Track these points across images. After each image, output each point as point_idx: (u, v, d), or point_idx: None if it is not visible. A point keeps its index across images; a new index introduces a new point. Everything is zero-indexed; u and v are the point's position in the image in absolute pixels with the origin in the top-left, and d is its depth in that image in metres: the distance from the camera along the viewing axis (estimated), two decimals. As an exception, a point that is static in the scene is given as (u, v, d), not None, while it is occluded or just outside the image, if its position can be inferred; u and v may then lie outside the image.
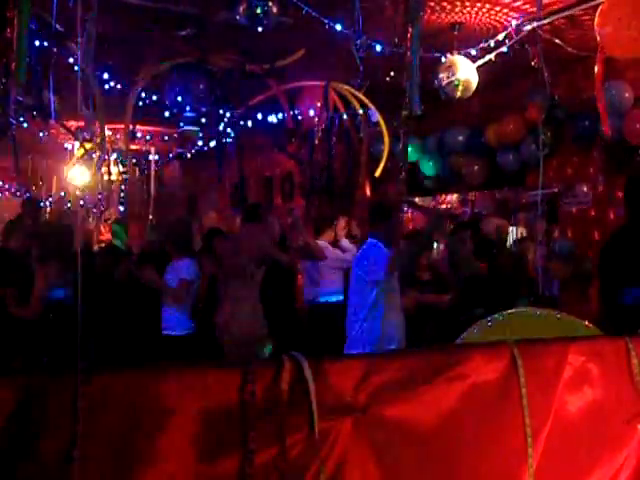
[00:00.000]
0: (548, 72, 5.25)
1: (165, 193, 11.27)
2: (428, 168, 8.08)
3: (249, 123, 7.83)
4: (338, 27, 4.92)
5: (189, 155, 10.51)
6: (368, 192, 7.61)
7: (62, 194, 10.82)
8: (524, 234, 7.24)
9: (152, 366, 1.56)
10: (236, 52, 6.16)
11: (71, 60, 4.96)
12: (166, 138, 10.13)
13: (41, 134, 8.13)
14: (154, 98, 6.77)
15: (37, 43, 4.77)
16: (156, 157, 10.87)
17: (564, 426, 1.84)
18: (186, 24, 5.55)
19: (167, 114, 7.10)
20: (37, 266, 4.76)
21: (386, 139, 7.23)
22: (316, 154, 7.87)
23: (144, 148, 10.54)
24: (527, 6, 5.21)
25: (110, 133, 7.25)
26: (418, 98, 4.16)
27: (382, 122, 7.11)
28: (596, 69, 4.76)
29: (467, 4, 5.23)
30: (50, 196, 11.33)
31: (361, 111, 7.14)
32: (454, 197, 8.79)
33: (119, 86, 6.45)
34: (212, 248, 5.76)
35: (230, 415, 1.50)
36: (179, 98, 6.44)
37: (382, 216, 4.57)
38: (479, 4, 5.23)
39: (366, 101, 6.93)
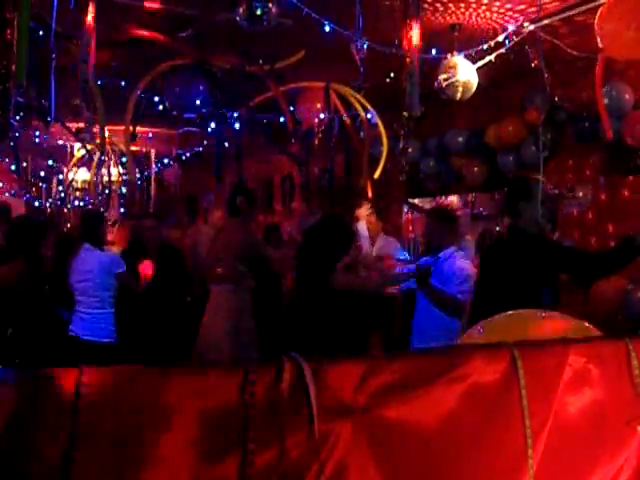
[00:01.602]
0: (548, 73, 5.25)
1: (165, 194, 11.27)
2: (428, 169, 8.08)
3: (249, 124, 7.82)
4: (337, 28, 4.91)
5: (189, 156, 10.50)
6: (370, 193, 7.60)
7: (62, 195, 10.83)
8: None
9: (153, 366, 1.56)
10: (236, 53, 6.16)
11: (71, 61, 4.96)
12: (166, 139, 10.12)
13: (37, 133, 8.12)
14: (155, 99, 6.77)
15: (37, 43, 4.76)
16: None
17: (564, 427, 1.84)
18: (186, 25, 5.55)
19: (167, 115, 7.09)
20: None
21: (385, 141, 7.23)
22: (316, 155, 7.86)
23: (144, 149, 10.53)
24: (527, 7, 5.21)
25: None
26: (418, 99, 4.16)
27: (381, 124, 7.11)
28: (596, 70, 4.77)
29: (473, 6, 5.23)
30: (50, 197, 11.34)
31: (362, 112, 7.13)
32: (454, 198, 8.77)
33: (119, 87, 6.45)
34: None
35: (230, 415, 1.50)
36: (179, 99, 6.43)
37: None
38: (483, 5, 5.23)
39: (365, 103, 6.92)
